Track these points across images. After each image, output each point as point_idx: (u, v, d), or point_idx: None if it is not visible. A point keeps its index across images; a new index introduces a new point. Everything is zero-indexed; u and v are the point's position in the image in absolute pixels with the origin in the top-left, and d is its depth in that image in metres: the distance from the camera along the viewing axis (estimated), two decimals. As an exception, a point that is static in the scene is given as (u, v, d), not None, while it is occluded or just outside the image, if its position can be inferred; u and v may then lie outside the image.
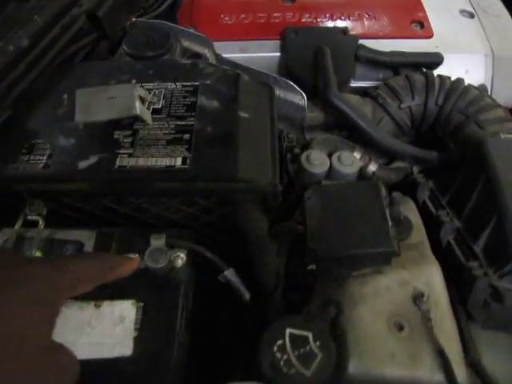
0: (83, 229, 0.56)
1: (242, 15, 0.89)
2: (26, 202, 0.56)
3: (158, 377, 0.46)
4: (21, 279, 0.35)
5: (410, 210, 0.69)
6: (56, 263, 0.39)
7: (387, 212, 0.56)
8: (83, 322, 0.49)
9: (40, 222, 0.56)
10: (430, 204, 0.74)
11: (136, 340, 0.47)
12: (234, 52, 0.83)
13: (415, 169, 0.79)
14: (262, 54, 0.84)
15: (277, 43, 0.86)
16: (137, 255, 0.51)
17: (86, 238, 0.55)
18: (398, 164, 0.76)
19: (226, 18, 0.89)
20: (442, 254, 0.62)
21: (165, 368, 0.47)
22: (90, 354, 0.46)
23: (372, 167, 0.72)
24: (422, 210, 0.71)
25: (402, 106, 0.75)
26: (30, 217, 0.56)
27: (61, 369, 0.37)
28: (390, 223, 0.55)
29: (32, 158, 0.59)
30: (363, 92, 0.80)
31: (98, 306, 0.50)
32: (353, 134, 0.77)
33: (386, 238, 0.53)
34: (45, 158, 0.59)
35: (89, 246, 0.54)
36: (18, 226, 0.56)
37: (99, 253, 0.50)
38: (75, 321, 0.49)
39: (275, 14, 0.89)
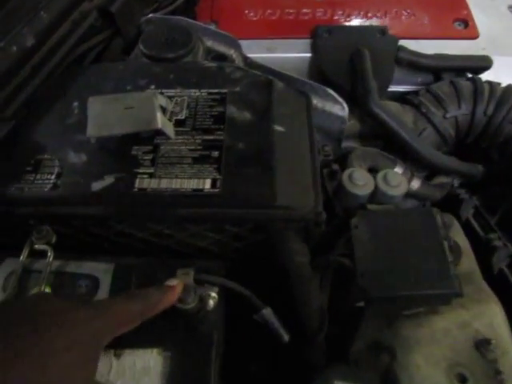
0: (98, 260, 0.49)
1: (269, 11, 0.81)
2: (32, 229, 0.49)
3: None
4: (63, 324, 0.34)
5: (456, 233, 0.62)
6: (98, 307, 0.38)
7: (445, 245, 0.49)
8: (102, 375, 0.42)
9: (49, 253, 0.49)
10: (474, 223, 0.67)
11: (163, 397, 0.41)
12: (260, 52, 0.75)
13: (456, 182, 0.72)
14: (292, 55, 0.76)
15: (307, 42, 0.77)
16: (176, 281, 0.44)
17: (102, 272, 0.48)
18: (440, 179, 0.69)
19: (251, 14, 0.81)
20: (493, 281, 0.56)
21: None
22: (110, 415, 0.40)
23: (415, 184, 0.64)
24: (466, 229, 0.64)
25: (448, 115, 0.67)
26: (37, 246, 0.49)
27: None
28: (450, 258, 0.48)
29: (38, 177, 0.51)
30: (402, 98, 0.73)
31: (117, 356, 0.43)
32: (390, 145, 0.70)
33: (447, 277, 0.46)
34: (53, 177, 0.51)
35: (105, 282, 0.47)
36: (23, 256, 0.49)
37: (138, 291, 0.44)
38: (92, 373, 0.42)
39: (305, 11, 0.80)
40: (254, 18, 0.81)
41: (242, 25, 0.79)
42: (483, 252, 0.61)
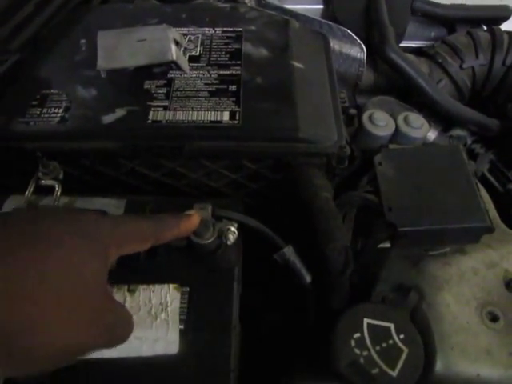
0: (109, 196, 0.45)
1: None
2: (38, 164, 0.45)
3: (210, 379, 0.36)
4: (72, 219, 0.30)
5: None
6: (109, 217, 0.34)
7: (474, 181, 0.45)
8: (115, 310, 0.38)
9: (56, 188, 0.44)
10: (491, 177, 0.64)
11: (183, 334, 0.37)
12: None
13: (469, 139, 0.69)
14: (303, 6, 0.71)
15: (317, -8, 0.74)
16: (193, 212, 0.40)
17: (114, 207, 0.44)
18: (456, 131, 0.65)
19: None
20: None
21: (222, 372, 0.36)
22: (126, 351, 0.36)
23: (432, 134, 0.61)
24: (482, 183, 0.60)
25: (464, 65, 0.64)
26: (43, 181, 0.45)
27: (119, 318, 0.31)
28: (479, 194, 0.45)
29: (45, 111, 0.47)
30: (416, 52, 0.69)
31: (131, 292, 0.39)
32: (405, 98, 0.66)
33: (478, 210, 0.43)
34: (61, 111, 0.47)
35: (118, 218, 0.43)
36: (29, 191, 0.44)
37: (152, 215, 0.39)
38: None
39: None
40: (264, -33, 0.77)
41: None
42: (502, 203, 0.58)
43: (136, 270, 0.40)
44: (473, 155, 0.67)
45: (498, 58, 0.64)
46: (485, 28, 0.69)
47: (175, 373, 0.36)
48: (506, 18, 0.70)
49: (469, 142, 0.71)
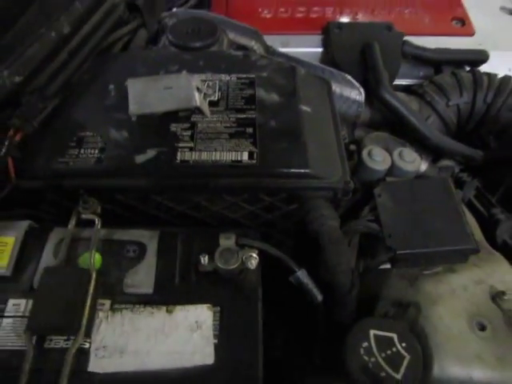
0: (143, 228, 0.53)
1: (281, 9, 0.88)
2: (79, 200, 0.53)
3: (244, 385, 0.44)
4: None
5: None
6: None
7: (461, 208, 0.55)
8: (156, 329, 0.46)
9: (96, 221, 0.52)
10: (476, 203, 0.73)
11: (217, 347, 0.45)
12: (274, 46, 0.80)
13: (457, 168, 0.79)
14: (304, 49, 0.82)
15: (318, 38, 0.84)
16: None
17: (148, 238, 0.52)
18: (444, 162, 0.75)
19: (265, 11, 0.88)
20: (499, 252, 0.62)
21: (252, 378, 0.44)
22: (167, 363, 0.43)
23: (423, 165, 0.70)
24: (468, 209, 0.70)
25: (450, 103, 0.74)
26: (84, 216, 0.53)
27: None
28: (466, 220, 0.54)
29: (82, 151, 0.55)
30: (407, 89, 0.79)
31: (169, 312, 0.47)
32: (397, 132, 0.76)
33: (465, 235, 0.52)
34: (96, 151, 0.55)
35: (152, 247, 0.51)
36: (71, 225, 0.52)
37: None
38: (147, 328, 0.46)
39: (315, 9, 0.87)
40: (268, 16, 0.87)
41: (256, 21, 0.84)
42: (487, 226, 0.68)
43: (172, 294, 0.49)
44: (460, 182, 0.77)
45: (479, 97, 0.74)
46: (467, 69, 0.80)
47: (212, 381, 0.44)
48: (483, 61, 0.81)
49: (456, 170, 0.81)
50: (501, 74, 0.77)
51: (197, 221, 0.59)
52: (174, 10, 0.78)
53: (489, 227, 0.67)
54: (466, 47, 0.83)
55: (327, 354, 0.52)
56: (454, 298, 0.52)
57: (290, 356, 0.56)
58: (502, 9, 0.92)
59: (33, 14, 0.66)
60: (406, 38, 0.82)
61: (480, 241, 0.63)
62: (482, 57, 0.80)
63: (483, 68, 0.81)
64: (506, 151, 0.73)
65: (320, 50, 0.83)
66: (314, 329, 0.53)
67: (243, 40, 0.74)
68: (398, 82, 0.83)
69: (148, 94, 0.57)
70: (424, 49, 0.80)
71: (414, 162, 0.62)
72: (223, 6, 0.87)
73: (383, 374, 0.45)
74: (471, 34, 0.87)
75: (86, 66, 0.65)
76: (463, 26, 0.88)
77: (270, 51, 0.74)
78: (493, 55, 0.81)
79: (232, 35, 0.74)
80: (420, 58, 0.80)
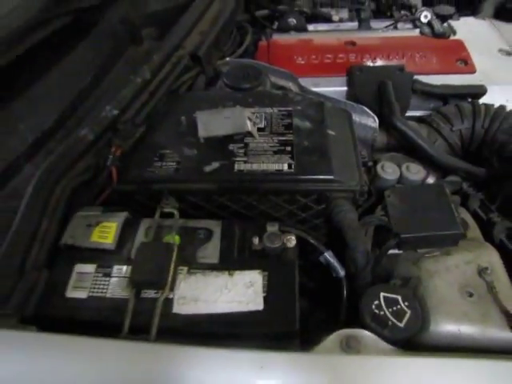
0: (209, 219, 0.75)
1: (313, 56, 1.12)
2: (162, 198, 0.75)
3: (285, 327, 0.63)
4: None
5: (465, 214, 0.87)
6: None
7: (453, 205, 0.74)
8: (221, 286, 0.66)
9: (176, 213, 0.74)
10: (480, 212, 0.91)
11: (265, 299, 0.64)
12: (307, 86, 1.04)
13: (464, 184, 0.98)
14: (332, 89, 1.05)
15: (343, 79, 1.07)
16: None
17: (214, 225, 0.73)
18: (451, 178, 0.94)
19: (300, 59, 1.12)
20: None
21: (291, 322, 0.63)
22: (229, 309, 0.64)
23: (430, 180, 0.90)
24: (474, 218, 0.88)
25: (454, 128, 0.94)
26: (165, 210, 0.75)
27: None
28: (456, 214, 0.73)
29: (164, 164, 0.78)
30: (420, 120, 1.00)
31: (231, 275, 0.67)
32: (410, 154, 0.96)
33: (455, 223, 0.71)
34: (175, 164, 0.78)
35: (217, 232, 0.72)
36: (157, 216, 0.74)
37: None
38: (214, 285, 0.66)
39: (340, 55, 1.11)
40: (302, 62, 1.11)
41: (292, 67, 1.07)
42: (486, 228, 0.85)
43: (232, 263, 0.69)
44: (466, 195, 0.95)
45: (478, 123, 0.93)
46: (469, 100, 1.00)
47: (261, 320, 0.63)
48: (483, 94, 1.01)
49: (464, 186, 0.99)
50: (498, 103, 0.97)
51: (247, 218, 0.80)
52: (227, 59, 1.03)
53: (487, 229, 0.85)
54: (469, 83, 1.04)
55: (349, 313, 0.70)
56: (447, 273, 0.70)
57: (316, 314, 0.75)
58: (500, 51, 1.13)
59: (122, 66, 0.92)
60: (418, 77, 1.03)
61: (477, 237, 0.81)
62: (481, 90, 1.01)
63: (484, 99, 1.01)
64: (503, 167, 0.91)
65: (345, 88, 1.06)
66: (339, 297, 0.72)
67: (282, 82, 0.98)
68: (412, 113, 1.04)
69: (212, 122, 0.80)
70: (431, 85, 1.01)
71: (418, 173, 0.82)
72: (266, 55, 1.12)
73: (390, 323, 0.63)
74: (473, 71, 1.08)
75: (162, 102, 0.90)
76: (466, 65, 1.09)
77: (303, 90, 0.97)
78: (492, 89, 1.02)
79: (273, 78, 0.97)
80: (429, 93, 1.01)
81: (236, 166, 0.76)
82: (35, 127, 0.79)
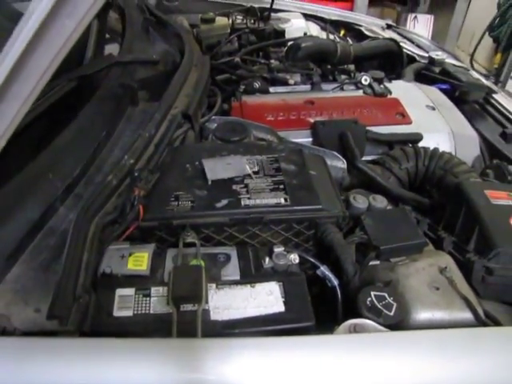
0: (225, 246, 0.94)
1: (280, 113, 1.37)
2: (183, 231, 0.93)
3: (303, 321, 0.82)
4: None
5: (419, 235, 1.13)
6: None
7: (415, 223, 1.00)
8: (246, 296, 0.84)
9: (197, 242, 0.92)
10: (429, 232, 1.18)
11: (284, 303, 0.83)
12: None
13: (413, 213, 1.25)
14: (298, 140, 1.29)
15: (307, 132, 1.33)
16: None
17: (230, 250, 0.92)
18: (402, 206, 1.21)
19: (270, 116, 1.36)
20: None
21: (307, 318, 0.82)
22: (257, 313, 0.82)
23: (389, 207, 1.16)
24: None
25: (402, 167, 1.22)
26: (187, 240, 0.92)
27: None
28: (419, 230, 0.98)
29: (180, 203, 0.96)
30: (372, 162, 1.28)
31: (253, 286, 0.86)
32: (369, 190, 1.22)
33: (419, 235, 0.96)
34: (189, 202, 0.96)
35: (234, 256, 0.91)
36: (181, 245, 0.91)
37: None
38: (241, 296, 0.84)
39: (303, 112, 1.37)
40: (272, 119, 1.36)
41: (263, 123, 1.31)
42: (436, 244, 1.12)
43: (252, 278, 0.87)
44: (417, 221, 1.22)
45: (419, 162, 1.22)
46: (410, 145, 1.30)
47: (284, 318, 0.81)
48: (420, 140, 1.32)
49: (413, 214, 1.26)
50: (432, 146, 1.28)
51: (251, 246, 0.99)
52: (213, 117, 1.26)
53: (438, 244, 1.12)
54: (407, 131, 1.35)
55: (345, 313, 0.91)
56: (418, 274, 0.93)
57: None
58: (427, 106, 1.47)
59: (124, 123, 1.12)
60: (367, 128, 1.33)
61: (431, 248, 1.07)
62: (418, 137, 1.31)
63: (420, 144, 1.31)
64: (441, 197, 1.20)
65: (309, 139, 1.31)
66: (335, 301, 0.93)
67: (262, 135, 1.22)
68: (365, 158, 1.32)
69: (217, 167, 1.01)
70: (380, 134, 1.31)
71: (382, 202, 1.07)
72: (239, 113, 1.36)
73: (382, 313, 0.84)
74: (410, 122, 1.39)
75: (165, 153, 1.09)
76: (403, 118, 1.40)
77: (282, 140, 1.22)
78: (426, 136, 1.33)
79: (254, 132, 1.21)
80: (378, 140, 1.30)
81: (242, 202, 0.96)
82: (63, 175, 0.96)
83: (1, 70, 0.61)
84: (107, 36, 1.62)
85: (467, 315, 0.88)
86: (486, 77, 1.77)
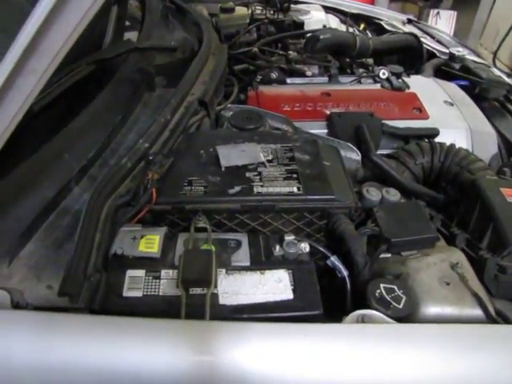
0: (237, 232, 0.95)
1: (296, 104, 1.37)
2: (195, 216, 0.94)
3: (311, 310, 0.82)
4: None
5: (432, 230, 1.12)
6: None
7: (428, 218, 0.99)
8: (256, 282, 0.85)
9: (208, 227, 0.92)
10: (442, 229, 1.18)
11: (293, 290, 0.84)
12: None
13: (427, 209, 1.24)
14: (313, 131, 1.28)
15: (322, 123, 1.33)
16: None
17: (241, 236, 0.93)
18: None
19: (286, 106, 1.37)
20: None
21: (315, 307, 0.82)
22: (266, 299, 0.82)
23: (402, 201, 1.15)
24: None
25: (417, 162, 1.21)
26: (199, 225, 0.93)
27: None
28: (432, 225, 0.98)
29: (193, 188, 0.97)
30: (387, 156, 1.27)
31: (262, 273, 0.86)
32: (383, 183, 1.22)
33: (431, 229, 0.96)
34: (202, 188, 0.97)
35: (244, 242, 0.92)
36: (192, 230, 0.92)
37: None
38: (250, 282, 0.85)
39: (319, 104, 1.37)
40: (288, 109, 1.36)
41: (279, 113, 1.31)
42: (449, 240, 1.11)
43: (261, 265, 0.88)
44: (430, 217, 1.21)
45: (435, 157, 1.21)
46: (426, 140, 1.29)
47: (293, 306, 0.81)
48: (436, 135, 1.31)
49: (427, 210, 1.26)
50: (448, 142, 1.27)
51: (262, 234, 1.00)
52: (229, 105, 1.27)
53: (451, 241, 1.11)
54: (424, 126, 1.34)
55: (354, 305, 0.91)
56: (428, 269, 0.93)
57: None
58: (445, 102, 1.46)
59: (141, 108, 1.12)
60: (383, 121, 1.32)
61: (443, 244, 1.06)
62: (435, 132, 1.30)
63: (436, 140, 1.30)
64: (456, 193, 1.19)
65: (324, 131, 1.31)
66: (344, 291, 0.93)
67: (277, 124, 1.22)
68: (380, 151, 1.31)
69: (231, 154, 1.01)
70: (396, 128, 1.30)
71: (395, 195, 1.07)
72: (255, 103, 1.36)
73: (391, 306, 0.84)
74: (426, 118, 1.37)
75: (180, 139, 1.10)
76: (420, 113, 1.39)
77: (297, 130, 1.22)
78: (442, 131, 1.32)
79: (269, 121, 1.21)
80: (394, 134, 1.30)
81: (255, 189, 0.96)
82: (78, 156, 0.97)
83: (18, 45, 0.62)
84: (127, 23, 1.63)
85: (477, 312, 0.87)
86: (509, 75, 1.72)
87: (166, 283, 0.84)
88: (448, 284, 0.91)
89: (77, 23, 0.60)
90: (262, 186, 0.98)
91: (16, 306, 0.76)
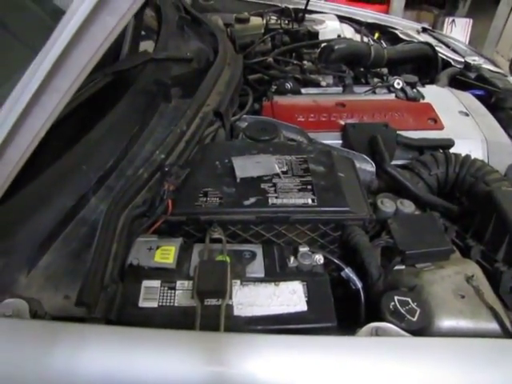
0: (251, 244, 0.95)
1: (311, 115, 1.38)
2: (211, 227, 0.95)
3: (325, 322, 0.82)
4: None
5: (446, 242, 1.12)
6: None
7: (443, 230, 0.99)
8: (270, 293, 0.85)
9: (223, 239, 0.93)
10: (457, 240, 1.17)
11: (307, 302, 0.84)
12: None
13: (441, 220, 1.24)
14: (327, 141, 1.29)
15: (337, 134, 1.34)
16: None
17: (256, 247, 0.94)
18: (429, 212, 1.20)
19: (300, 117, 1.38)
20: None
21: (329, 319, 0.83)
22: (280, 311, 0.83)
23: (417, 213, 1.15)
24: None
25: (432, 173, 1.21)
26: (214, 236, 0.94)
27: None
28: (447, 237, 0.97)
29: (208, 199, 0.98)
30: (401, 167, 1.27)
31: (277, 285, 0.87)
32: (397, 194, 1.22)
33: (446, 241, 0.96)
34: (217, 199, 0.98)
35: (259, 254, 0.92)
36: (207, 241, 0.93)
37: None
38: (264, 293, 0.85)
39: (334, 114, 1.38)
40: (302, 119, 1.37)
41: (293, 123, 1.32)
42: (464, 252, 1.10)
43: (276, 276, 0.88)
44: (445, 228, 1.21)
45: (450, 169, 1.21)
46: (441, 151, 1.29)
47: (307, 318, 0.82)
48: (451, 146, 1.30)
49: (441, 221, 1.25)
50: (464, 153, 1.27)
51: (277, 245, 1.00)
52: (244, 116, 1.28)
53: (466, 252, 1.10)
54: (439, 137, 1.34)
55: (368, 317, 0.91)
56: (443, 281, 0.93)
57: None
58: (460, 112, 1.46)
59: (164, 120, 1.14)
60: (398, 132, 1.32)
61: (458, 257, 1.06)
62: (450, 143, 1.30)
63: (451, 151, 1.30)
64: (471, 204, 1.19)
65: (338, 141, 1.32)
66: (358, 303, 0.93)
67: (292, 135, 1.23)
68: (394, 162, 1.31)
69: (246, 166, 1.02)
70: (411, 139, 1.30)
71: (409, 206, 1.07)
72: (270, 113, 1.38)
73: (405, 318, 0.84)
74: (441, 128, 1.37)
75: (195, 150, 1.11)
76: (435, 123, 1.39)
77: (312, 141, 1.22)
78: (457, 142, 1.31)
79: (284, 132, 1.22)
80: (409, 145, 1.30)
81: (270, 201, 0.97)
82: (96, 167, 0.99)
83: (44, 64, 0.63)
84: (143, 33, 1.66)
85: (493, 326, 0.86)
86: (526, 83, 1.71)
87: (182, 294, 0.85)
88: (463, 297, 0.90)
89: (102, 42, 0.62)
90: (276, 197, 0.98)
91: (34, 315, 0.78)
